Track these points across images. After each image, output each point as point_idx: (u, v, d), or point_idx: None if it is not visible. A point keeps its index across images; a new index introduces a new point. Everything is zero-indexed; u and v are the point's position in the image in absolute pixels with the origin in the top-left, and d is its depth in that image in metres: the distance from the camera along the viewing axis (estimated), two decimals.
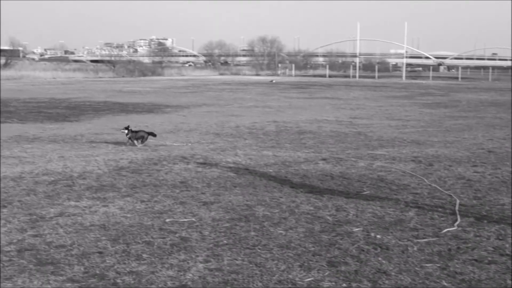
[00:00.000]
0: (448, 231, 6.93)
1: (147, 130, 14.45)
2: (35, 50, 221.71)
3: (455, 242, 6.53)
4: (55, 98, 30.58)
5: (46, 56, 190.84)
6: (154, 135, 14.01)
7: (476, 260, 5.97)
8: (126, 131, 13.66)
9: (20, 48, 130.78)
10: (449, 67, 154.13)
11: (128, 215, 7.47)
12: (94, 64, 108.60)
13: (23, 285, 5.20)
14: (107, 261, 5.77)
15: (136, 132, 13.74)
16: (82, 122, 19.08)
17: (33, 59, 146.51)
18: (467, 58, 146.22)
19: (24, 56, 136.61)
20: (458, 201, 8.41)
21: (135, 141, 13.59)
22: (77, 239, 6.45)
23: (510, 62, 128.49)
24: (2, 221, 7.11)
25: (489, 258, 6.02)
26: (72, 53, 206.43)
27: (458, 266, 5.78)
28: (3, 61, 79.40)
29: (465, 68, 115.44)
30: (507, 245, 6.46)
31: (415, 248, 6.30)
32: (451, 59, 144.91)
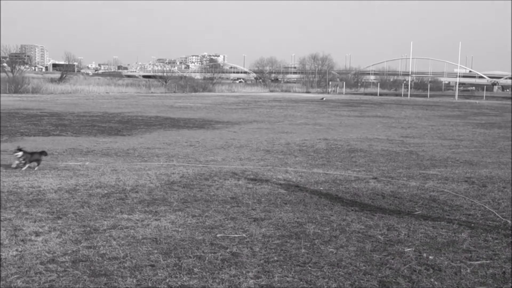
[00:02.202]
0: None
1: (37, 150, 13.35)
2: (89, 65, 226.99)
3: (509, 265, 6.39)
4: (108, 112, 31.19)
5: (100, 71, 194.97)
6: (45, 154, 12.84)
7: None
8: (20, 153, 12.02)
9: (75, 63, 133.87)
10: (504, 87, 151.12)
11: (180, 229, 7.55)
12: (146, 79, 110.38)
13: None
14: (159, 274, 5.85)
15: (31, 154, 12.39)
16: (135, 136, 19.40)
17: (87, 73, 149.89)
18: None
19: (79, 71, 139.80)
20: None
21: (30, 164, 12.14)
22: (129, 251, 6.55)
23: None
24: (58, 232, 7.28)
25: None
26: (125, 68, 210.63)
27: None
28: (58, 75, 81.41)
29: None
30: None
31: (468, 270, 6.19)
32: (506, 78, 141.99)
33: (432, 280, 5.88)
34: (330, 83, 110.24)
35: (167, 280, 5.70)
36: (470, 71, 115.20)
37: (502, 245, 7.22)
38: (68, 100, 45.21)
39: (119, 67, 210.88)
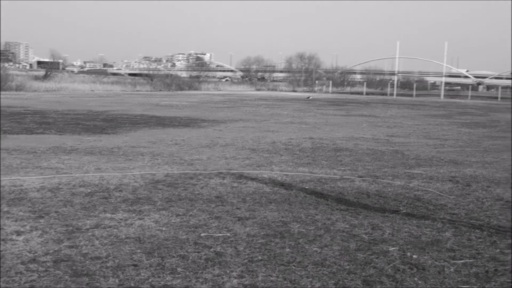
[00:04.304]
0: None
1: None
2: (74, 63, 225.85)
3: (492, 264, 6.42)
4: (93, 111, 31.02)
5: (85, 69, 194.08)
6: None
7: None
8: None
9: (60, 61, 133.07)
10: (489, 87, 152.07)
11: (163, 229, 7.51)
12: (132, 77, 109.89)
13: None
14: (142, 274, 5.80)
15: None
16: (119, 135, 19.29)
17: (73, 71, 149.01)
18: (507, 78, 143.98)
19: (63, 69, 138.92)
20: None
21: None
22: (112, 251, 6.50)
23: None
24: (39, 231, 7.22)
25: None
26: (111, 66, 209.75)
27: None
28: (43, 72, 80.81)
29: (505, 88, 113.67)
30: None
31: (452, 269, 6.20)
32: (491, 78, 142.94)
33: (415, 279, 5.89)
34: (317, 82, 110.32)
35: (150, 280, 5.65)
36: (467, 71, 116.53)
37: (485, 244, 7.24)
38: (53, 98, 44.91)
39: (104, 65, 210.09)
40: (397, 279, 5.86)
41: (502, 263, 6.48)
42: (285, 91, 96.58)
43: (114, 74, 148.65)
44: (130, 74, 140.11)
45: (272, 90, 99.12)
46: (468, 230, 7.91)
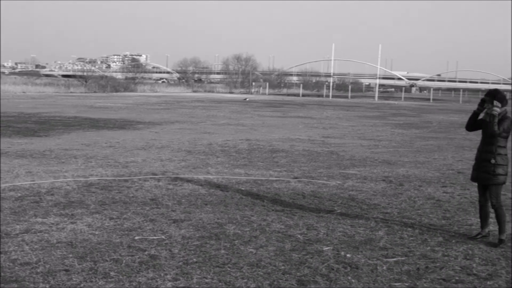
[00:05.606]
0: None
1: None
2: (5, 64, 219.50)
3: (423, 262, 6.56)
4: (24, 113, 30.23)
5: (17, 70, 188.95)
6: None
7: (443, 279, 6.00)
8: None
9: None
10: (421, 89, 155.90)
11: (97, 232, 7.36)
12: (65, 79, 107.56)
13: None
14: (74, 279, 5.67)
15: None
16: (52, 137, 18.86)
17: (3, 72, 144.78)
18: (438, 80, 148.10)
19: None
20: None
21: None
22: (43, 256, 6.33)
23: (480, 84, 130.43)
24: None
25: (456, 278, 6.06)
26: (44, 67, 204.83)
27: (426, 285, 5.80)
28: None
29: (436, 89, 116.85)
30: (474, 265, 6.51)
31: (384, 267, 6.31)
32: (423, 80, 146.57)
33: (349, 278, 5.96)
34: (254, 83, 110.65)
35: (82, 284, 5.53)
36: (407, 73, 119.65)
37: (417, 242, 7.40)
38: None
39: (37, 66, 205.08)
40: (331, 278, 5.92)
41: (433, 260, 6.63)
42: (222, 92, 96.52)
43: (47, 75, 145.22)
44: (64, 76, 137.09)
45: (209, 91, 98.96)
46: (400, 228, 8.07)
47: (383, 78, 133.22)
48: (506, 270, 6.39)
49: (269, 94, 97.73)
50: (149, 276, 5.80)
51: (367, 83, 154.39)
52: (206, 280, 5.75)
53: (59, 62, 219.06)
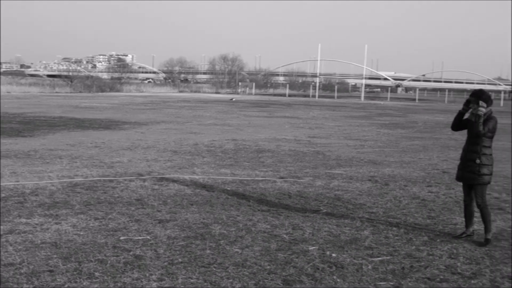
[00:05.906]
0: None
1: None
2: None
3: (408, 261, 6.59)
4: (9, 113, 30.01)
5: (1, 70, 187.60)
6: None
7: (428, 278, 6.03)
8: None
9: None
10: (407, 89, 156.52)
11: (81, 233, 7.33)
12: (51, 78, 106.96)
13: None
14: (58, 279, 5.64)
15: None
16: (36, 138, 18.75)
17: None
18: (424, 80, 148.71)
19: None
20: None
21: None
22: (27, 257, 6.29)
23: (465, 84, 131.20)
24: None
25: (441, 277, 6.09)
26: (29, 67, 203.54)
27: (411, 285, 5.82)
28: None
29: (422, 90, 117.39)
30: (458, 264, 6.55)
31: (370, 267, 6.32)
32: (409, 80, 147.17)
33: (334, 277, 5.97)
34: (240, 84, 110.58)
35: (66, 285, 5.50)
36: (394, 73, 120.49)
37: (402, 241, 7.44)
38: None
39: (21, 66, 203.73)
40: (316, 278, 5.93)
41: (418, 259, 6.66)
42: (208, 93, 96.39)
43: (32, 75, 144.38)
44: (49, 76, 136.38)
45: (195, 92, 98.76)
46: (385, 228, 8.10)
47: (369, 78, 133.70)
48: (490, 269, 6.43)
49: (256, 94, 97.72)
50: (134, 277, 5.78)
51: (353, 83, 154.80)
52: (192, 280, 5.73)
53: (44, 62, 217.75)
